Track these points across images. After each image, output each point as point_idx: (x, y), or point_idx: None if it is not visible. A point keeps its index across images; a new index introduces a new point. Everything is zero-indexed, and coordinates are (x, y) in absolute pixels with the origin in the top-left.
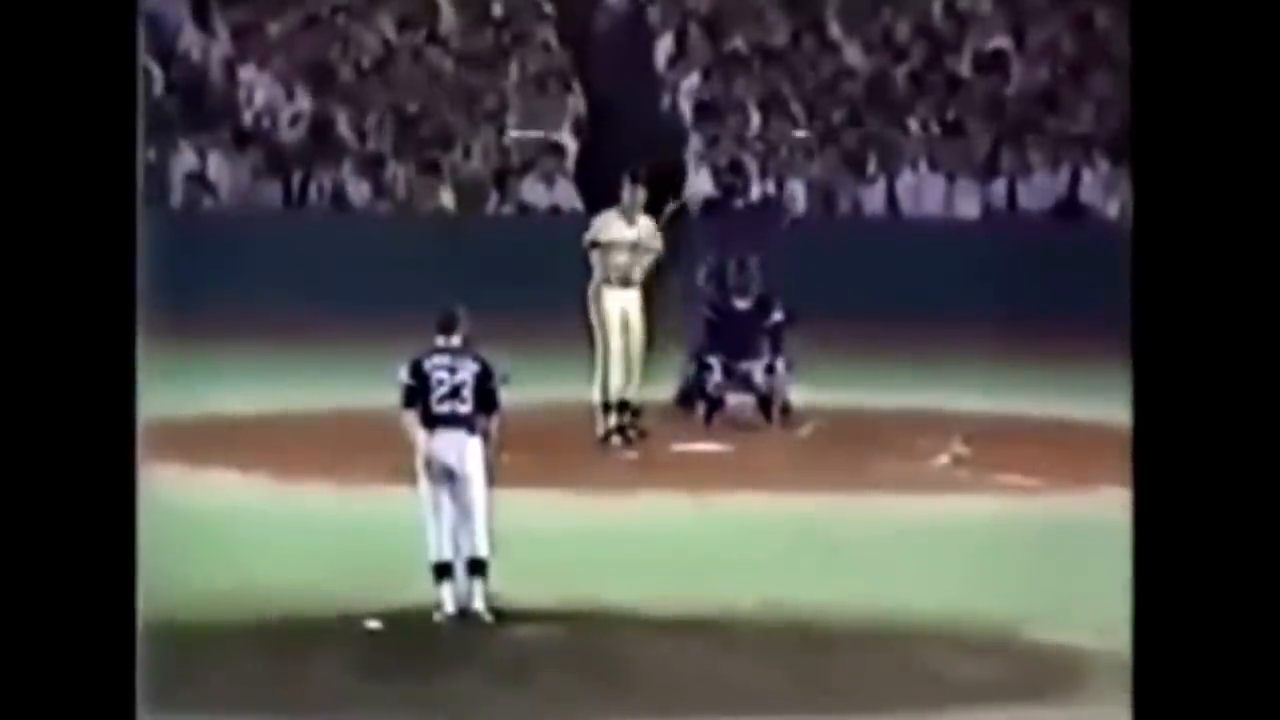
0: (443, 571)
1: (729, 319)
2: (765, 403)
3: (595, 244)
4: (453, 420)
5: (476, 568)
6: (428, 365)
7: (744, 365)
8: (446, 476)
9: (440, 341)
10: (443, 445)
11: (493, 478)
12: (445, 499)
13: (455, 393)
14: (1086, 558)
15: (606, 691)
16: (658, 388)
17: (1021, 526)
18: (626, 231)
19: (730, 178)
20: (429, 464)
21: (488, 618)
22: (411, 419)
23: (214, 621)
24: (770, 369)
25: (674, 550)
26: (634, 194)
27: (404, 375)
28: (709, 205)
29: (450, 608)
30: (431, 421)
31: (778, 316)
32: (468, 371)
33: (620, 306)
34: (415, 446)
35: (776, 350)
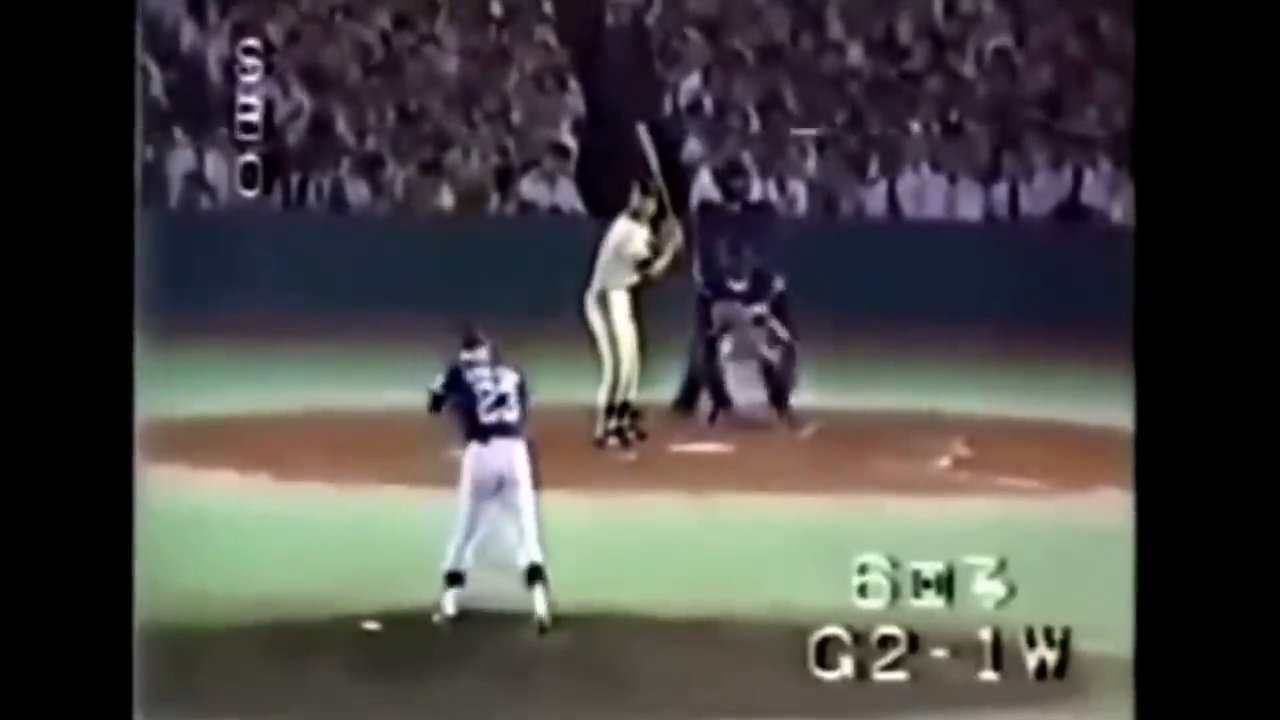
0: (454, 580)
1: (726, 298)
2: (779, 393)
3: (638, 258)
4: (502, 429)
5: (535, 574)
6: (469, 377)
7: (750, 336)
8: (496, 486)
9: (467, 356)
10: (494, 453)
11: (538, 483)
12: (483, 513)
13: (502, 401)
14: (1088, 561)
15: (606, 693)
16: (656, 388)
17: (1023, 529)
18: (645, 241)
19: (731, 180)
20: (475, 475)
21: (547, 623)
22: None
23: (211, 623)
24: (777, 339)
25: (674, 552)
26: (644, 205)
27: (437, 384)
28: (705, 208)
29: (451, 610)
30: (480, 432)
31: (778, 286)
32: (509, 381)
33: (628, 309)
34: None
35: (783, 320)
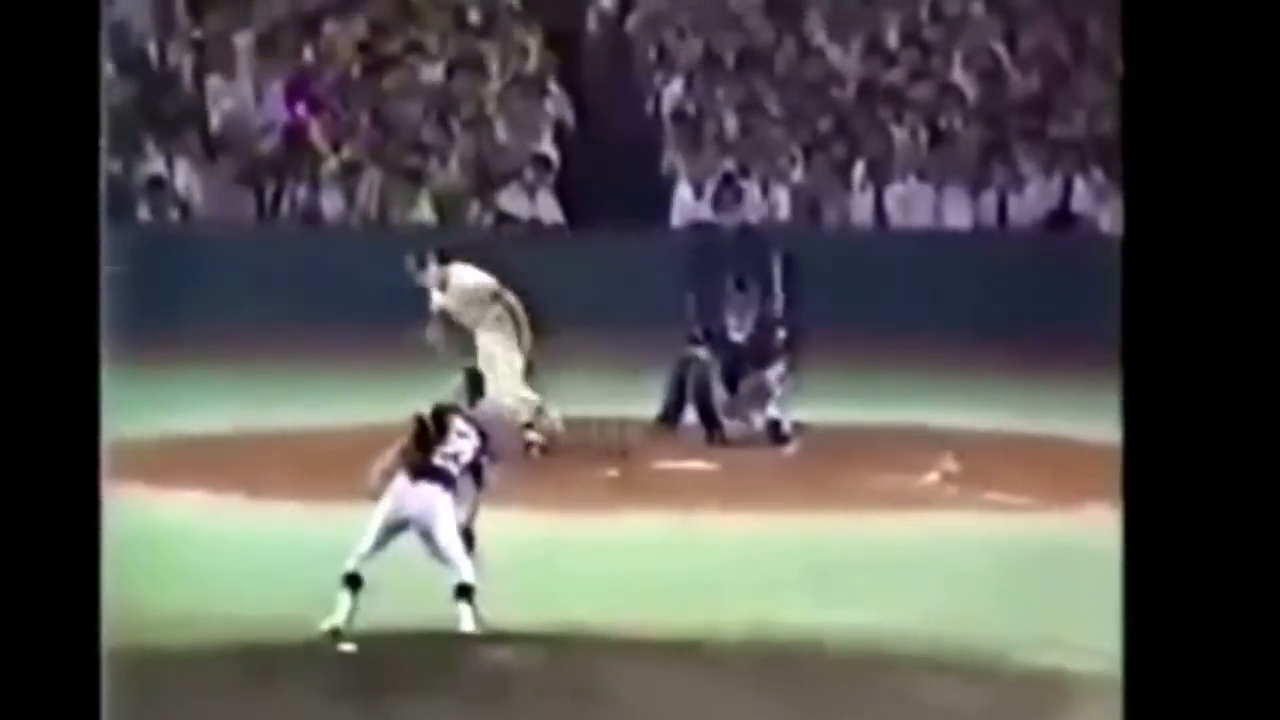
0: (350, 582)
1: (725, 351)
2: (775, 424)
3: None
4: (438, 475)
5: (463, 592)
6: (451, 419)
7: (749, 389)
8: (404, 525)
9: (464, 404)
10: (416, 496)
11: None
12: (391, 538)
13: (454, 458)
14: (1077, 578)
15: (586, 715)
16: (640, 404)
17: (1011, 545)
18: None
19: (722, 194)
20: (389, 510)
21: (471, 629)
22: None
23: (181, 646)
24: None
25: (657, 570)
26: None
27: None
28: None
29: (338, 621)
30: (418, 471)
31: (781, 335)
32: (468, 443)
33: None
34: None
35: (783, 377)
